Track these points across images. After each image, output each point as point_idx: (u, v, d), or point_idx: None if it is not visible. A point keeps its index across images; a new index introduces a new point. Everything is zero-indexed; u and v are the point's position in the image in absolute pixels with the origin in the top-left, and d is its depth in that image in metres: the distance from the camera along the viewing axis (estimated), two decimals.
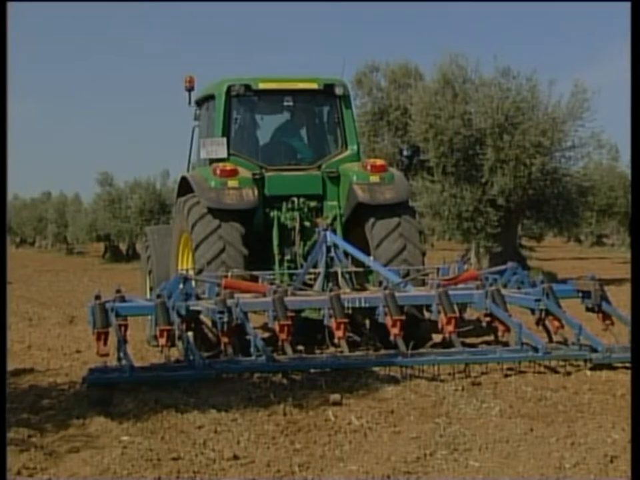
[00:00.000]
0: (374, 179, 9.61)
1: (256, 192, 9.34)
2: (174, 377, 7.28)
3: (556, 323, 8.23)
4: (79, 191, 47.54)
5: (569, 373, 7.71)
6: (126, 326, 7.60)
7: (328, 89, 10.13)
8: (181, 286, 8.02)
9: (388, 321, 7.86)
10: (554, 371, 7.76)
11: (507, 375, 7.63)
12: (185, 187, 9.85)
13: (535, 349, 7.76)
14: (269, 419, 6.18)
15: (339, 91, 10.15)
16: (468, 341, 9.66)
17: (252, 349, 7.53)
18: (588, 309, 8.53)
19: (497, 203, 17.93)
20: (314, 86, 10.15)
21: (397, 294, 8.01)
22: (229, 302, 7.63)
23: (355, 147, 10.22)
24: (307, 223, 9.73)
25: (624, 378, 7.16)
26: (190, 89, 10.74)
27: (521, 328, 7.84)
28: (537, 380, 7.44)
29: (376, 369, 8.04)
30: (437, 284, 8.41)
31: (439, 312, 7.99)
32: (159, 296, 7.80)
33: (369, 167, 9.74)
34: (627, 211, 25.20)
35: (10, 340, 10.20)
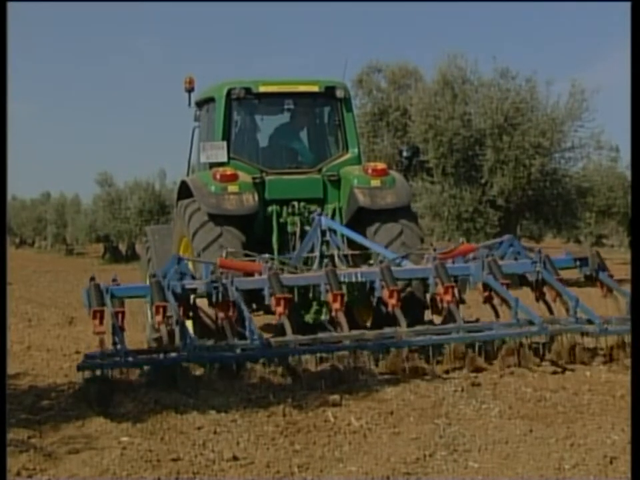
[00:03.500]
0: (375, 183, 9.58)
1: (256, 197, 9.31)
2: (167, 361, 7.29)
3: (554, 293, 8.30)
4: (78, 192, 47.42)
5: (565, 370, 7.72)
6: (123, 313, 7.55)
7: (329, 91, 10.10)
8: (176, 266, 8.04)
9: (385, 294, 7.89)
10: (554, 372, 7.77)
11: (506, 376, 7.63)
12: (185, 190, 9.83)
13: (532, 323, 7.83)
14: (269, 419, 6.19)
15: (339, 93, 10.11)
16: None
17: (247, 332, 7.56)
18: (587, 278, 8.56)
19: (497, 203, 17.96)
20: (315, 89, 10.12)
21: (393, 268, 8.07)
22: (224, 279, 7.71)
23: (356, 150, 10.19)
24: (308, 227, 9.69)
25: (624, 379, 7.16)
26: (190, 90, 10.70)
27: (518, 302, 7.89)
28: (536, 381, 7.43)
29: (376, 369, 8.05)
30: (433, 257, 8.40)
31: (436, 284, 8.02)
32: (153, 275, 7.85)
33: (369, 171, 9.70)
34: (626, 212, 25.19)
35: (9, 341, 10.20)
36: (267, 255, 8.53)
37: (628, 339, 7.78)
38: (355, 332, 7.90)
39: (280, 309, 7.62)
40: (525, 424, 5.87)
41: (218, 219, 9.10)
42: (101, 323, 7.30)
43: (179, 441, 5.65)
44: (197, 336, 7.88)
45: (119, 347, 7.23)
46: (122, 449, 5.39)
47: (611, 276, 8.68)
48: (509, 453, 5.26)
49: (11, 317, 12.90)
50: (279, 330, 8.03)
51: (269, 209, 9.69)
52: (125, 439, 5.66)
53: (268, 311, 8.76)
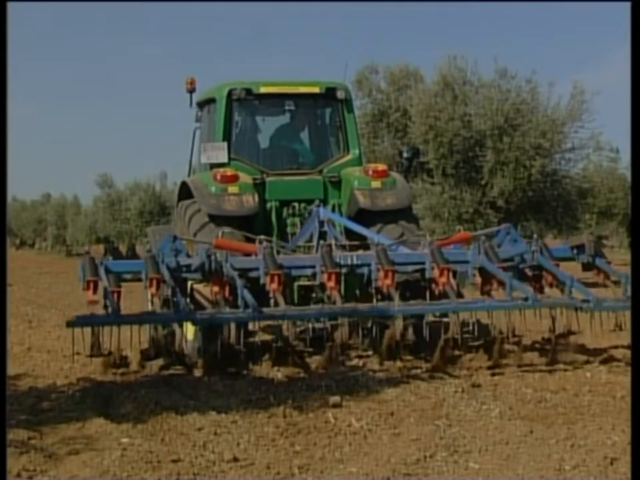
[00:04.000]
0: (375, 184, 9.58)
1: (256, 198, 9.31)
2: (158, 318, 7.41)
3: (549, 278, 8.32)
4: (78, 193, 47.39)
5: (566, 370, 7.73)
6: (119, 293, 7.56)
7: (330, 92, 10.10)
8: (171, 244, 8.05)
9: (381, 275, 7.91)
10: (552, 371, 7.77)
11: (506, 377, 7.64)
12: (185, 191, 9.84)
13: (525, 299, 7.88)
14: (269, 420, 6.19)
15: (340, 94, 10.12)
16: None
17: (239, 302, 7.61)
18: (584, 267, 8.59)
19: (497, 204, 17.95)
20: (315, 90, 10.12)
21: (389, 252, 8.11)
22: (219, 257, 7.78)
23: (357, 151, 10.19)
24: None
25: (624, 380, 7.16)
26: (191, 91, 10.71)
27: (511, 279, 7.94)
28: (536, 382, 7.44)
29: (375, 371, 8.05)
30: (430, 242, 8.41)
31: (432, 268, 8.04)
32: (148, 251, 7.89)
33: (370, 172, 9.70)
34: (626, 213, 25.18)
35: (10, 342, 10.19)
36: (263, 237, 8.55)
37: (622, 317, 7.97)
38: (348, 304, 7.96)
39: (274, 286, 7.66)
40: (526, 425, 5.87)
41: (218, 219, 9.11)
42: (94, 292, 7.37)
43: (179, 442, 5.65)
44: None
45: (109, 309, 7.30)
46: (122, 450, 5.39)
47: (609, 262, 8.72)
48: (509, 454, 5.26)
49: (11, 318, 12.89)
50: (278, 333, 8.02)
51: (270, 209, 9.69)
52: (125, 440, 5.66)
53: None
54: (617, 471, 4.90)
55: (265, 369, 8.21)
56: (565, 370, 7.82)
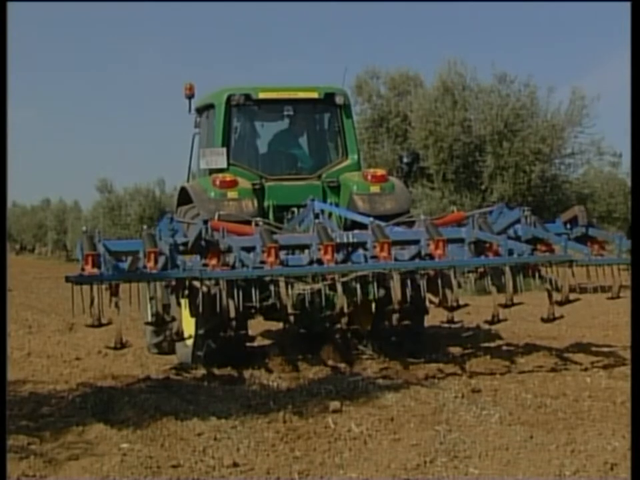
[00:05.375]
0: (374, 189, 9.59)
1: (255, 203, 9.32)
2: (156, 275, 7.42)
3: (544, 248, 8.38)
4: (78, 198, 47.38)
5: (566, 375, 7.73)
6: (117, 284, 7.54)
7: (328, 98, 10.11)
8: (169, 224, 8.08)
9: (377, 250, 7.91)
10: (552, 371, 7.77)
11: (506, 382, 7.64)
12: (184, 196, 9.84)
13: (520, 255, 7.97)
14: (269, 426, 6.18)
15: (339, 100, 10.13)
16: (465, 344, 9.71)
17: (237, 263, 7.68)
18: (578, 240, 8.60)
19: None
20: (314, 95, 10.13)
21: (385, 230, 8.13)
22: (216, 235, 7.83)
23: (356, 156, 10.19)
24: None
25: (624, 385, 7.16)
26: (190, 97, 10.71)
27: (506, 240, 8.02)
28: (536, 387, 7.44)
29: (376, 374, 8.06)
30: (424, 219, 8.41)
31: (428, 245, 8.05)
32: (146, 230, 7.86)
33: (369, 177, 9.70)
34: (626, 218, 25.19)
35: (10, 347, 10.19)
36: (259, 219, 8.56)
37: (617, 270, 8.13)
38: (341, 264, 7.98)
39: (271, 259, 7.66)
40: (526, 430, 5.86)
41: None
42: (93, 266, 7.36)
43: (179, 448, 5.64)
44: (194, 314, 7.97)
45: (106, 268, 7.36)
46: (122, 455, 5.38)
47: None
48: (509, 459, 5.26)
49: (11, 323, 12.90)
50: (278, 337, 8.03)
51: (269, 214, 9.69)
52: (125, 445, 5.65)
53: (266, 315, 8.77)
54: (617, 477, 4.89)
55: (264, 374, 8.22)
56: (565, 375, 7.82)
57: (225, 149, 9.78)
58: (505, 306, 8.03)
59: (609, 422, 6.11)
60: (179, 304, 7.80)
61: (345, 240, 8.16)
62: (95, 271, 7.33)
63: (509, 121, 17.65)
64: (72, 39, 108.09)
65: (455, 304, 7.97)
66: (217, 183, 9.30)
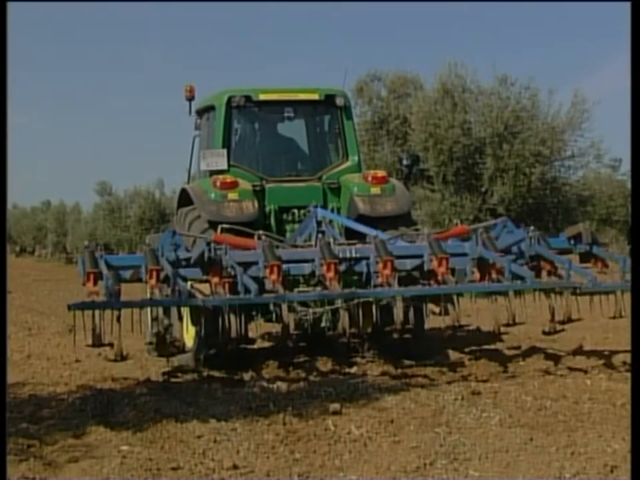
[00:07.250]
0: (375, 190, 9.60)
1: (256, 204, 9.33)
2: (159, 303, 7.43)
3: (548, 266, 8.34)
4: (78, 200, 47.36)
5: (566, 377, 7.73)
6: (119, 290, 7.51)
7: (329, 99, 10.13)
8: (170, 239, 8.06)
9: (380, 266, 7.91)
10: (550, 373, 7.77)
11: (506, 384, 7.63)
12: (185, 198, 9.85)
13: (522, 278, 7.94)
14: (269, 428, 6.18)
15: (339, 101, 10.14)
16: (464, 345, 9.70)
17: (239, 287, 7.63)
18: (582, 257, 8.59)
19: (497, 211, 17.95)
20: (315, 97, 10.15)
21: (388, 245, 8.13)
22: (219, 251, 7.79)
23: (356, 158, 10.20)
24: None
25: (624, 387, 7.16)
26: (190, 99, 10.73)
27: (510, 263, 7.97)
28: (536, 389, 7.43)
29: (376, 377, 8.05)
30: (427, 234, 8.43)
31: (431, 260, 8.04)
32: (148, 245, 7.90)
33: (369, 179, 9.72)
34: (626, 220, 25.21)
35: (9, 349, 10.19)
36: (262, 232, 8.54)
37: (620, 295, 8.01)
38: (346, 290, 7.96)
39: (274, 277, 7.64)
40: (526, 432, 5.86)
41: (218, 226, 9.11)
42: (95, 284, 7.37)
43: (178, 450, 5.64)
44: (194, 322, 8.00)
45: (110, 296, 7.32)
46: (122, 457, 5.38)
47: (606, 247, 8.75)
48: (509, 461, 5.25)
49: (11, 325, 12.89)
50: (278, 339, 8.03)
51: (269, 216, 9.70)
52: (124, 447, 5.65)
53: (267, 317, 8.77)
54: (617, 479, 4.89)
55: (264, 376, 8.21)
56: (565, 377, 7.82)
57: (225, 151, 9.79)
58: (508, 325, 8.10)
59: (609, 424, 6.10)
60: (180, 318, 7.83)
61: (348, 255, 8.17)
62: (97, 289, 7.32)
63: (509, 123, 17.66)
64: (72, 40, 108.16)
65: (457, 324, 7.99)
66: (218, 184, 9.31)
